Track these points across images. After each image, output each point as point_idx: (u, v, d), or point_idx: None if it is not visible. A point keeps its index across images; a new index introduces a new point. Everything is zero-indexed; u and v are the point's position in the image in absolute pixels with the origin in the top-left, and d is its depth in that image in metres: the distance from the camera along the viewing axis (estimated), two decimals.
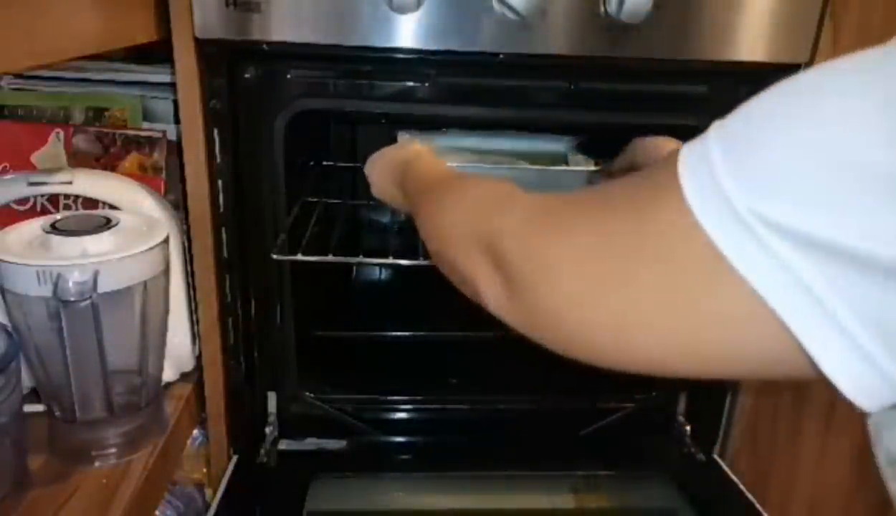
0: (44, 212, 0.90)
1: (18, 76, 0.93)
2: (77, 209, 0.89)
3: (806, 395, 1.00)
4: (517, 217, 0.47)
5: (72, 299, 0.67)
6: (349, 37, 0.77)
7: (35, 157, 0.91)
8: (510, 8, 0.75)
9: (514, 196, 0.51)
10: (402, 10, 0.75)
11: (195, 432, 0.98)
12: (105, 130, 0.92)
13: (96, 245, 0.71)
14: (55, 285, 0.66)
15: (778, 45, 0.81)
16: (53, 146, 0.91)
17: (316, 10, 0.76)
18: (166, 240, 0.77)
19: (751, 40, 0.81)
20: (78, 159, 0.91)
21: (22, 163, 0.91)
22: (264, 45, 0.78)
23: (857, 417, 1.06)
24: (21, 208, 0.89)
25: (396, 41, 0.78)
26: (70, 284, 0.67)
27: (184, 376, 0.90)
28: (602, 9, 0.77)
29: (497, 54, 0.79)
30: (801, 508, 1.07)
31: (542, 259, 0.43)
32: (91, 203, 0.87)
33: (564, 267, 0.42)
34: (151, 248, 0.73)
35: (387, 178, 0.78)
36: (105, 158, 0.92)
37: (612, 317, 0.40)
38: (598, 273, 0.40)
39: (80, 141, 0.91)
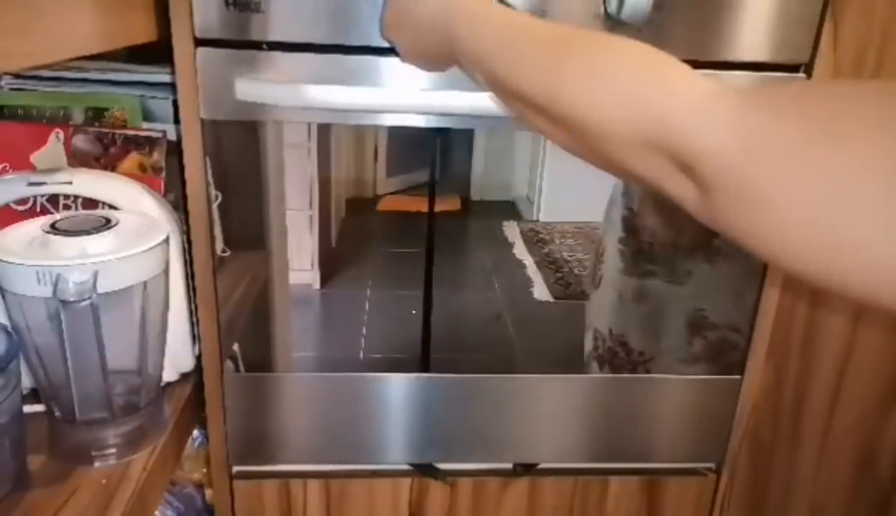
0: (44, 212, 0.90)
1: (18, 76, 0.93)
2: (77, 209, 0.89)
3: (806, 398, 1.00)
4: (720, 128, 0.39)
5: (71, 299, 0.66)
6: (349, 36, 0.78)
7: (35, 157, 0.91)
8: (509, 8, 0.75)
9: (700, 85, 0.42)
10: None
11: (195, 432, 0.98)
12: (105, 130, 0.91)
13: (96, 245, 0.71)
14: (55, 285, 0.66)
15: (778, 45, 0.81)
16: (53, 146, 0.91)
17: (316, 10, 0.76)
18: (166, 240, 0.77)
19: (751, 40, 0.81)
20: (78, 159, 0.91)
21: (22, 163, 0.90)
22: (264, 45, 0.78)
23: (858, 420, 1.07)
24: (21, 208, 0.89)
25: None
26: (70, 284, 0.67)
27: (184, 376, 0.90)
28: (602, 9, 0.77)
29: None
30: (801, 512, 1.07)
31: (764, 192, 0.36)
32: (91, 203, 0.87)
33: (794, 198, 0.35)
34: (151, 248, 0.73)
35: (425, 40, 0.65)
36: (105, 158, 0.92)
37: (858, 256, 0.34)
38: (843, 207, 0.33)
39: (79, 141, 0.91)
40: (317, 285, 0.97)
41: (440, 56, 0.65)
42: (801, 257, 0.36)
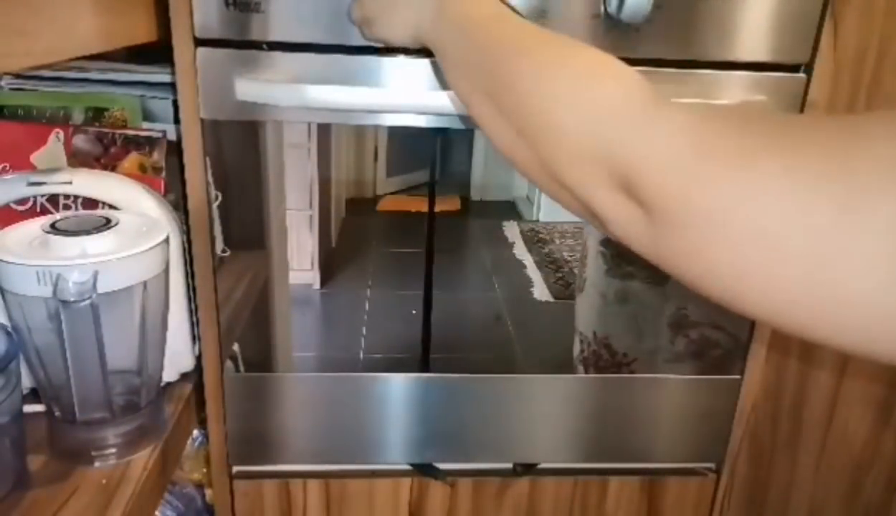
0: (44, 212, 0.90)
1: (18, 76, 0.93)
2: (77, 209, 0.89)
3: (806, 398, 1.00)
4: (665, 139, 0.36)
5: (71, 299, 0.66)
6: (349, 36, 0.78)
7: (35, 157, 0.91)
8: (510, 9, 0.75)
9: (645, 96, 0.39)
10: None
11: (195, 432, 0.98)
12: (105, 130, 0.91)
13: (96, 245, 0.71)
14: (55, 285, 0.66)
15: (778, 45, 0.81)
16: (53, 146, 0.91)
17: (316, 9, 0.76)
18: (166, 240, 0.77)
19: (751, 40, 0.81)
20: (78, 159, 0.91)
21: (22, 164, 0.90)
22: (264, 45, 0.78)
23: (856, 423, 1.07)
24: (21, 208, 0.89)
25: None
26: (70, 284, 0.66)
27: (184, 376, 0.90)
28: (602, 9, 0.77)
29: None
30: (800, 512, 1.07)
31: (713, 204, 0.34)
32: (91, 203, 0.87)
33: (742, 213, 0.32)
34: (151, 248, 0.73)
35: (395, 6, 0.65)
36: (105, 158, 0.92)
37: (812, 290, 0.31)
38: (794, 227, 0.31)
39: (79, 141, 0.91)
40: (317, 285, 0.97)
41: (409, 23, 0.63)
42: (758, 289, 0.33)
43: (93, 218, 0.75)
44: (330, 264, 0.97)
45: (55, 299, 0.67)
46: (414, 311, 0.96)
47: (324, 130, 0.88)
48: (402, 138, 0.94)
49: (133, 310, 0.75)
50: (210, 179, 0.84)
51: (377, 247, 0.99)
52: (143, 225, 0.77)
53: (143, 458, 0.77)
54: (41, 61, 0.58)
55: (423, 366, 0.98)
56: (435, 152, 0.90)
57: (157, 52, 0.82)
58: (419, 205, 0.93)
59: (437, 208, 0.92)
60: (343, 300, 0.99)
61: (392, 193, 0.97)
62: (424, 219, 0.93)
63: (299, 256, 0.94)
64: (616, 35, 0.79)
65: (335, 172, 0.93)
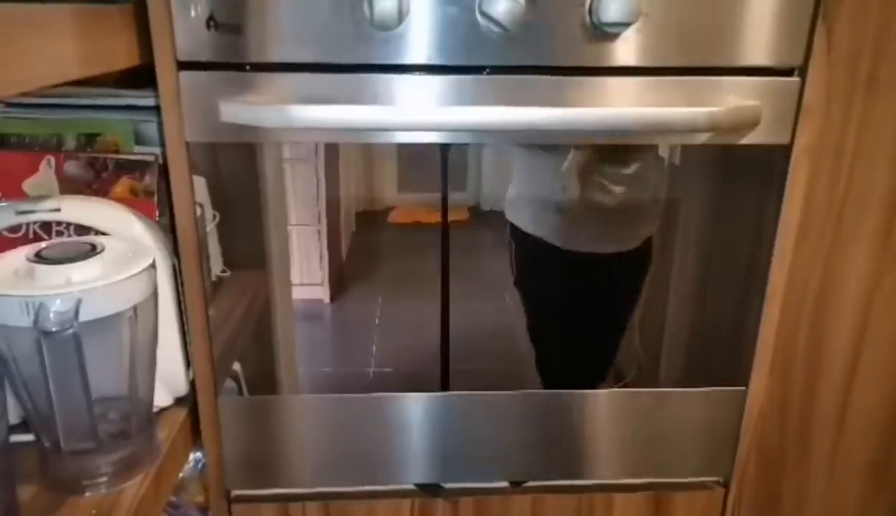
0: (37, 239, 0.90)
1: (10, 104, 0.93)
2: (70, 235, 0.89)
3: (814, 406, 0.97)
4: None
5: (53, 329, 0.66)
6: (333, 55, 0.77)
7: (27, 185, 0.91)
8: (494, 22, 0.75)
9: None
10: (385, 26, 0.74)
11: (198, 454, 0.98)
12: (96, 156, 0.91)
13: (80, 273, 0.70)
14: (36, 315, 0.66)
15: (770, 48, 0.80)
16: (45, 173, 0.91)
17: (298, 29, 0.76)
18: (153, 265, 0.76)
19: (743, 45, 0.80)
20: (70, 185, 0.91)
21: (14, 192, 0.90)
22: (247, 67, 0.78)
23: (869, 427, 1.04)
24: (14, 236, 0.89)
25: (381, 58, 0.78)
26: (51, 314, 0.66)
27: (178, 401, 0.90)
28: (588, 19, 0.76)
29: (483, 68, 0.79)
30: None
31: None
32: (84, 229, 0.86)
33: None
34: (137, 274, 0.73)
35: None
36: (97, 184, 0.91)
37: None
38: None
39: (71, 167, 0.91)
40: (327, 299, 0.97)
41: None
42: None
43: (78, 245, 0.75)
44: (340, 278, 0.96)
45: (36, 329, 0.66)
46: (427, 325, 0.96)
47: (331, 145, 0.87)
48: (412, 151, 0.93)
49: (120, 337, 0.74)
50: (200, 201, 0.84)
51: (388, 260, 0.98)
52: (130, 250, 0.76)
53: (135, 486, 0.76)
54: (19, 89, 0.58)
55: (443, 382, 0.97)
56: (445, 164, 0.89)
57: (148, 75, 0.82)
58: (430, 216, 0.92)
59: (449, 218, 0.91)
60: (354, 314, 0.99)
61: (403, 205, 0.96)
62: (435, 231, 0.92)
63: (309, 271, 0.93)
64: (603, 44, 0.78)
65: (345, 186, 0.92)
